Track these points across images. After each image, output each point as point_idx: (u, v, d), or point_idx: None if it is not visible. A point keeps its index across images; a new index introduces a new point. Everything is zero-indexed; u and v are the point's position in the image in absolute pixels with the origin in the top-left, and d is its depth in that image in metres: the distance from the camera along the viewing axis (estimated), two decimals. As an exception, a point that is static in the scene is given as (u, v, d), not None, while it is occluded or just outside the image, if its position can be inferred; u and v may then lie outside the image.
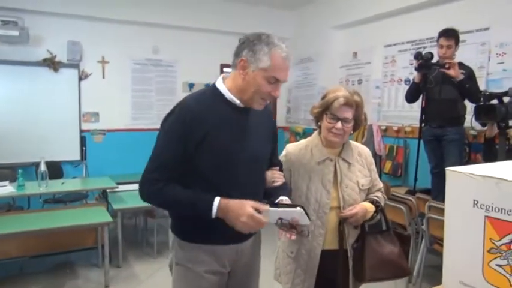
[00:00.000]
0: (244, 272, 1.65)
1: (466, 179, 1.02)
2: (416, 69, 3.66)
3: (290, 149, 1.90)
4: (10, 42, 4.92)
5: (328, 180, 1.78)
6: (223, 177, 1.47)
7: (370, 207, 1.81)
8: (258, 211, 1.37)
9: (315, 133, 1.90)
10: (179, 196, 1.43)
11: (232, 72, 1.51)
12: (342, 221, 1.78)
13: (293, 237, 1.45)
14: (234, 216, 1.38)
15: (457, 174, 1.06)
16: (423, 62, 3.56)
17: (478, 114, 2.99)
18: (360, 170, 1.86)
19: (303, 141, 1.94)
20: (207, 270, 1.52)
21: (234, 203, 1.39)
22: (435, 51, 3.61)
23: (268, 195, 1.61)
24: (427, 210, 3.04)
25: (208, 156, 1.44)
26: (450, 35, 3.46)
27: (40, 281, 3.59)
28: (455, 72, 3.34)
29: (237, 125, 1.50)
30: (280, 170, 1.74)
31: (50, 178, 3.94)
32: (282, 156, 1.89)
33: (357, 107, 1.75)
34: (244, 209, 1.36)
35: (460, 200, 1.05)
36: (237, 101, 1.48)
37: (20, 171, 3.88)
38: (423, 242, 3.17)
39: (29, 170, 4.72)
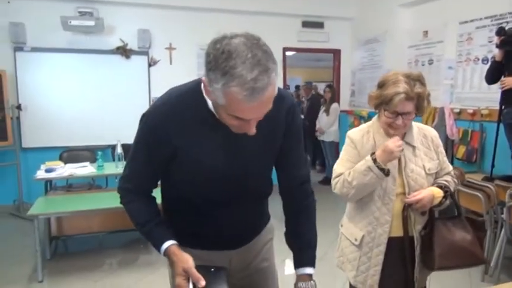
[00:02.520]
0: (249, 274, 1.46)
1: None
2: (497, 46, 3.38)
3: (352, 136, 1.82)
4: (87, 32, 5.26)
5: (393, 165, 1.70)
6: (195, 194, 1.29)
7: (438, 193, 1.71)
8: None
9: (375, 118, 1.81)
10: (137, 220, 1.31)
11: None
12: (407, 207, 1.71)
13: None
14: (173, 269, 1.24)
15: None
16: (506, 38, 3.27)
17: None
18: (426, 153, 1.77)
19: (364, 127, 1.85)
20: None
21: (176, 258, 1.22)
22: (520, 27, 3.33)
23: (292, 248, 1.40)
24: (508, 198, 2.85)
25: (178, 171, 1.27)
26: None
27: (117, 255, 3.89)
28: None
29: (217, 138, 1.22)
30: (306, 183, 1.42)
31: (125, 160, 4.19)
32: (348, 144, 1.83)
33: (418, 97, 1.64)
34: (176, 271, 1.20)
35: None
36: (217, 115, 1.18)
37: (99, 153, 4.17)
38: (502, 232, 2.98)
39: (105, 152, 5.04)
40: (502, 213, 2.97)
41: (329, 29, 6.59)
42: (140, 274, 3.41)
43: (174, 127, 1.19)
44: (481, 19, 4.42)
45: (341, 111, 6.60)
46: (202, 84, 1.16)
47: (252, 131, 1.12)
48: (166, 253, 1.25)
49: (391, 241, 1.74)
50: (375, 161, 1.65)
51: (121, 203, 1.35)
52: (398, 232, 1.74)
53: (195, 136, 1.21)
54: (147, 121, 1.23)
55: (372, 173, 1.65)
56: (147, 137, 1.23)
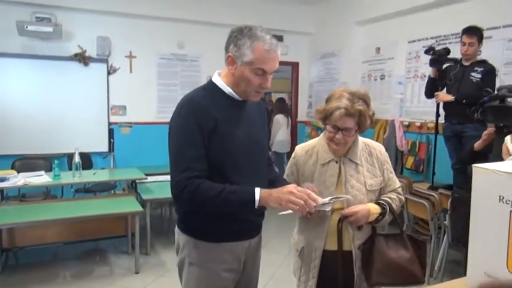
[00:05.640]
0: (251, 266, 1.68)
1: (492, 176, 1.07)
2: (430, 64, 3.70)
3: (298, 152, 1.89)
4: (44, 38, 5.09)
5: (331, 182, 1.75)
6: (231, 167, 1.49)
7: (375, 209, 1.73)
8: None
9: (323, 134, 1.84)
10: (215, 192, 1.41)
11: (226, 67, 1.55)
12: (342, 220, 1.72)
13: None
14: (278, 197, 1.41)
15: (483, 171, 1.11)
16: (436, 57, 3.60)
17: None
18: (369, 169, 1.79)
19: (311, 142, 1.90)
20: (226, 268, 1.54)
21: (277, 190, 1.44)
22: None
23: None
24: (449, 206, 3.09)
25: (218, 146, 1.46)
26: (472, 33, 3.47)
27: (71, 267, 3.78)
28: None
29: (238, 117, 1.55)
30: (271, 163, 1.85)
31: (82, 169, 4.11)
32: (291, 158, 1.90)
33: (360, 115, 1.67)
34: (289, 189, 1.42)
35: (486, 196, 1.10)
36: (235, 95, 1.53)
37: (56, 161, 4.05)
38: (445, 237, 3.22)
39: (61, 160, 4.90)
40: (445, 220, 3.20)
41: (288, 42, 6.78)
42: (98, 286, 3.35)
43: (211, 106, 1.48)
44: (427, 39, 4.76)
45: (299, 122, 6.79)
46: (215, 77, 1.56)
47: (269, 84, 1.51)
48: (262, 195, 1.42)
49: (328, 254, 1.76)
50: None
51: (188, 195, 1.42)
52: (335, 246, 1.75)
53: (223, 114, 1.50)
54: (190, 104, 1.48)
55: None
56: (195, 117, 1.45)
